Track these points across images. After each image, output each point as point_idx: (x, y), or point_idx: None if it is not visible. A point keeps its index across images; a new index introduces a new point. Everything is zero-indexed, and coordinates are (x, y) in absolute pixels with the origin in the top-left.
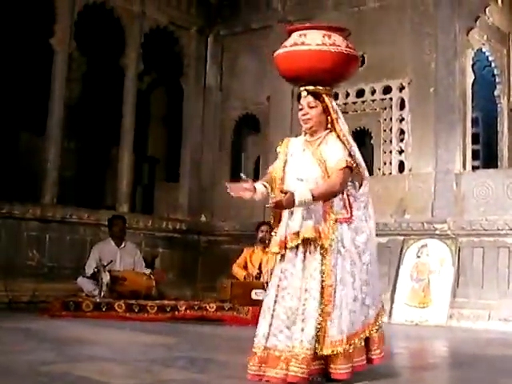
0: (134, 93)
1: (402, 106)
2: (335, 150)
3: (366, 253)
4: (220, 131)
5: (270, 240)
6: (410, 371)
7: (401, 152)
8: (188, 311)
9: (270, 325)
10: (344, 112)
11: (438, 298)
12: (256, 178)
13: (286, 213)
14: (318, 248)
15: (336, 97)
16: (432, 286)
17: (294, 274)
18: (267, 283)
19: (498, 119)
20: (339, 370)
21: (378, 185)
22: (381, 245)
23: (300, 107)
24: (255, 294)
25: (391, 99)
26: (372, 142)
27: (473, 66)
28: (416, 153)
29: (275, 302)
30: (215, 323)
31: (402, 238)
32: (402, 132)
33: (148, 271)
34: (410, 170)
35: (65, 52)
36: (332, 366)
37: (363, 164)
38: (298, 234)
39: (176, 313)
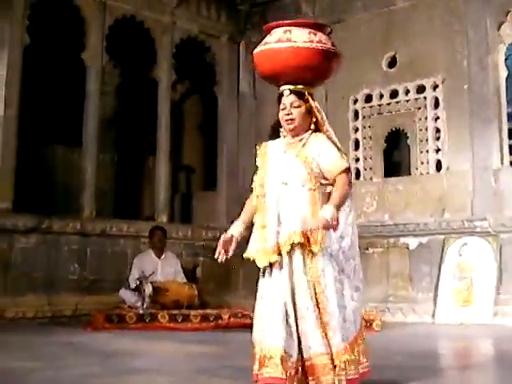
0: (168, 103)
1: (436, 105)
2: (328, 150)
3: (350, 259)
4: (256, 137)
5: None
6: (457, 371)
7: (437, 151)
8: (232, 319)
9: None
10: (379, 113)
11: (482, 296)
12: None
13: (270, 219)
14: (305, 255)
15: (370, 99)
16: (475, 284)
17: (280, 283)
18: None
19: None
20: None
21: (416, 185)
22: (421, 245)
23: (282, 107)
24: None
25: (425, 98)
26: (408, 142)
27: (505, 60)
28: (453, 151)
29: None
30: None
31: (442, 237)
32: (437, 130)
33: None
34: (447, 169)
35: (97, 66)
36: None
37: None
38: (285, 240)
39: (220, 321)
